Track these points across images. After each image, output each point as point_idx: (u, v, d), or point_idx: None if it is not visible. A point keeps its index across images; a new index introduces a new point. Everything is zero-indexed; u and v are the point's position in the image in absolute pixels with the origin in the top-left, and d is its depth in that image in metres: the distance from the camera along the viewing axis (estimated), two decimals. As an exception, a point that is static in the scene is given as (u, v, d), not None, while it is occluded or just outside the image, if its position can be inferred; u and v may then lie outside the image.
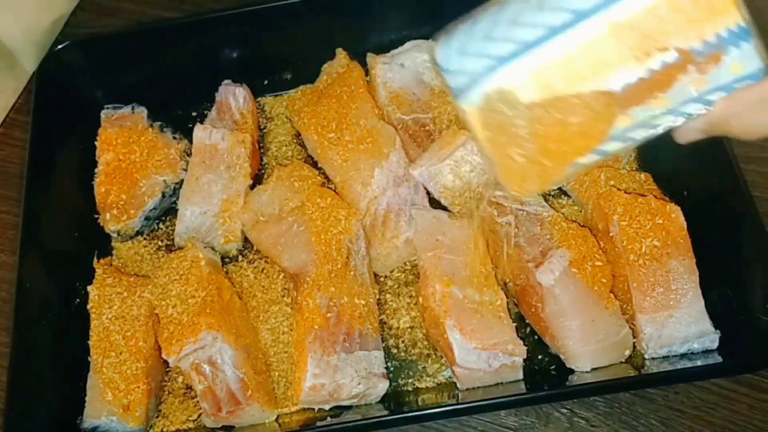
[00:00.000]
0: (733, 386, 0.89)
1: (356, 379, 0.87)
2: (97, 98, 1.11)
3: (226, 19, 1.07)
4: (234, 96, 1.09)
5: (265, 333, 0.96)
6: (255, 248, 1.02)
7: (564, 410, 0.91)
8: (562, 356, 0.89)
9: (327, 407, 0.89)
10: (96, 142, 1.07)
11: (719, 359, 0.85)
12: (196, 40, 1.09)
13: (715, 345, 0.86)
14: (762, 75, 0.58)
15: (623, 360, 0.88)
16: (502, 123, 0.65)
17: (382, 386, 0.89)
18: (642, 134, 0.64)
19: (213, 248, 1.00)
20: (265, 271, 1.01)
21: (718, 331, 0.85)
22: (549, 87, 0.62)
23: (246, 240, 1.02)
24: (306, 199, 0.98)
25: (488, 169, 0.93)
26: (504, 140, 0.66)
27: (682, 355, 0.87)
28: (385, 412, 0.87)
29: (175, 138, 1.07)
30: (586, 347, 0.86)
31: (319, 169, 1.06)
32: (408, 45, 1.10)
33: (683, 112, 0.61)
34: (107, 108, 1.09)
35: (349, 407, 0.89)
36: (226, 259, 1.03)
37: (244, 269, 1.02)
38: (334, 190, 1.01)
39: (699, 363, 0.84)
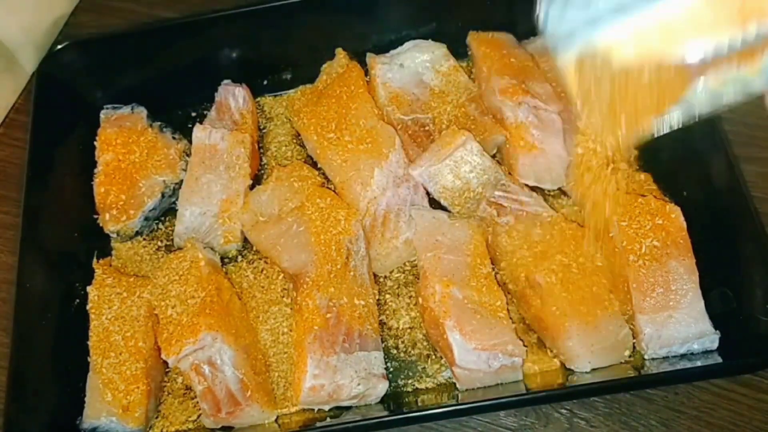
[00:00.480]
0: (733, 386, 0.89)
1: (356, 379, 0.87)
2: (96, 98, 1.11)
3: (226, 19, 1.07)
4: (234, 96, 1.09)
5: (264, 333, 0.96)
6: (254, 248, 1.02)
7: (564, 410, 0.90)
8: (561, 357, 0.89)
9: (327, 408, 0.89)
10: (95, 142, 1.07)
11: (719, 359, 0.85)
12: (196, 40, 1.09)
13: (715, 345, 0.85)
14: None
15: (623, 360, 0.88)
16: (595, 78, 0.67)
17: (382, 387, 0.89)
18: (731, 95, 0.64)
19: (212, 248, 1.00)
20: (264, 272, 1.01)
21: (717, 331, 0.85)
22: (646, 45, 0.63)
23: (245, 240, 1.02)
24: (306, 199, 0.98)
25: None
26: (595, 95, 0.69)
27: (682, 356, 0.86)
28: (385, 413, 0.86)
29: (174, 138, 1.07)
30: (585, 348, 0.86)
31: (319, 169, 1.06)
32: (408, 45, 1.10)
33: None
34: (107, 108, 1.09)
35: (348, 408, 0.89)
36: (226, 260, 1.03)
37: (244, 269, 1.02)
38: (334, 191, 1.01)
39: (699, 363, 0.84)
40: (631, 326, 0.88)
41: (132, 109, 1.09)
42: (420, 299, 0.92)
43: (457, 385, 0.89)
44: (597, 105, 0.70)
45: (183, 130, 1.11)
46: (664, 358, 0.87)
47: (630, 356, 0.88)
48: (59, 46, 1.06)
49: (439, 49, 1.09)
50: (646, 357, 0.87)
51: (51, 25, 1.24)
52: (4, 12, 1.13)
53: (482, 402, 0.82)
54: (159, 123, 1.08)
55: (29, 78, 1.21)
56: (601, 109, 0.69)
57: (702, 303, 0.86)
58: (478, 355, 0.85)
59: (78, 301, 0.98)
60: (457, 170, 0.98)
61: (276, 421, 0.90)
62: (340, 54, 1.11)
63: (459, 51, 1.11)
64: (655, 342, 0.86)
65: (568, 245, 0.90)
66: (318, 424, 0.85)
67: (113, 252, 1.05)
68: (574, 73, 0.69)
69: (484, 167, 0.98)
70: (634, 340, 0.89)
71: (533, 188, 1.01)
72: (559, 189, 1.02)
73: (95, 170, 1.06)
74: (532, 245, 0.92)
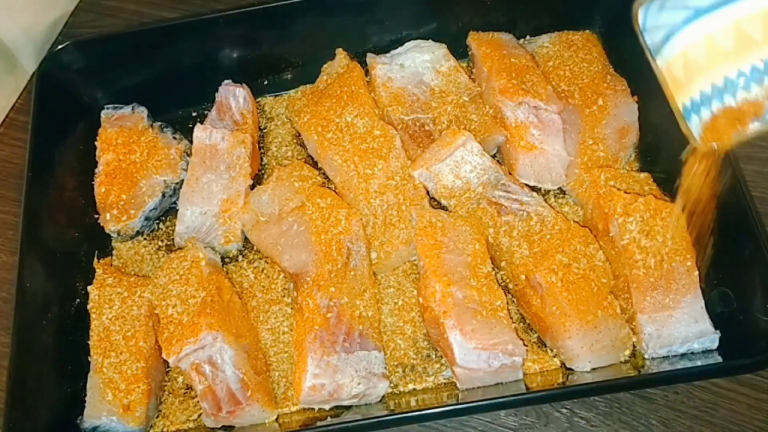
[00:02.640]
0: (733, 386, 0.89)
1: (356, 379, 0.87)
2: (97, 98, 1.11)
3: (226, 19, 1.07)
4: (234, 96, 1.09)
5: (265, 333, 0.97)
6: (255, 248, 1.02)
7: (564, 410, 0.91)
8: (561, 356, 0.89)
9: (327, 407, 0.89)
10: (96, 142, 1.07)
11: (719, 359, 0.85)
12: (196, 40, 1.09)
13: (715, 345, 0.86)
14: None
15: (623, 360, 0.88)
16: (692, 77, 0.66)
17: (382, 386, 0.89)
18: None
19: (213, 248, 1.00)
20: (265, 271, 1.01)
21: (717, 331, 0.85)
22: (747, 38, 0.62)
23: (246, 240, 1.02)
24: (306, 199, 0.98)
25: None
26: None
27: (682, 355, 0.86)
28: (385, 413, 0.86)
29: (175, 138, 1.07)
30: (586, 347, 0.86)
31: (320, 169, 1.06)
32: (408, 45, 1.11)
33: None
34: (107, 108, 1.10)
35: (348, 407, 0.89)
36: (226, 259, 1.03)
37: (244, 269, 1.02)
38: (335, 190, 1.01)
39: (699, 363, 0.84)
40: (632, 326, 0.89)
41: (133, 109, 1.09)
42: (420, 299, 0.92)
43: (458, 385, 0.89)
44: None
45: (184, 130, 1.11)
46: (664, 357, 0.87)
47: (630, 356, 0.89)
48: (59, 46, 1.06)
49: (440, 50, 1.09)
50: (646, 356, 0.87)
51: (51, 25, 1.24)
52: (4, 12, 1.14)
53: (482, 401, 0.82)
54: (160, 123, 1.08)
55: (29, 78, 1.21)
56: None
57: (702, 302, 0.86)
58: (479, 354, 0.85)
59: (78, 300, 0.98)
60: (457, 170, 0.98)
61: (276, 420, 0.90)
62: (341, 54, 1.11)
63: (459, 51, 1.11)
64: (655, 341, 0.86)
65: (569, 245, 0.90)
66: (318, 424, 0.85)
67: (114, 252, 1.06)
68: (672, 74, 0.68)
69: (485, 167, 0.98)
70: (635, 340, 0.89)
71: (533, 188, 1.01)
72: (559, 189, 1.02)
73: (96, 170, 1.06)
74: (532, 245, 0.93)
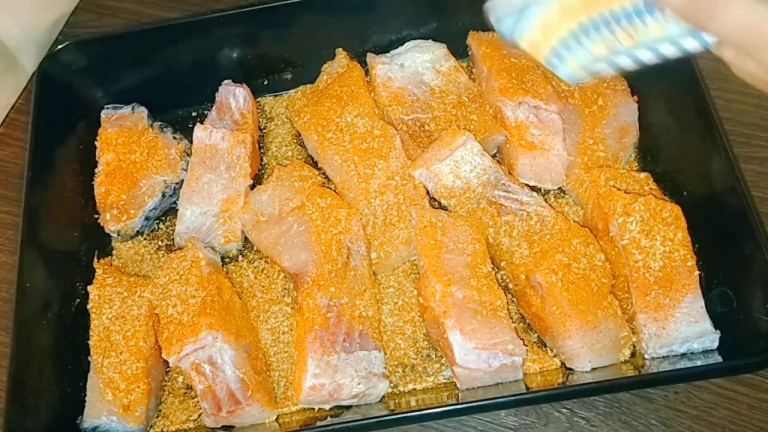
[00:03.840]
0: (733, 386, 0.89)
1: (356, 379, 0.87)
2: (97, 98, 1.11)
3: (226, 19, 1.07)
4: (234, 96, 1.09)
5: (265, 333, 0.97)
6: (255, 248, 1.02)
7: (564, 410, 0.91)
8: (562, 356, 0.89)
9: (327, 407, 0.89)
10: (96, 142, 1.07)
11: (719, 359, 0.85)
12: (196, 40, 1.09)
13: (715, 345, 0.86)
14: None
15: (623, 360, 0.88)
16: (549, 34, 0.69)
17: (382, 386, 0.89)
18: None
19: (213, 248, 1.00)
20: (265, 271, 1.01)
21: (717, 331, 0.85)
22: None
23: (246, 240, 1.02)
24: (306, 199, 0.98)
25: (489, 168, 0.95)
26: None
27: (682, 355, 0.86)
28: (385, 412, 0.86)
29: (175, 138, 1.07)
30: (586, 347, 0.86)
31: (320, 169, 1.06)
32: (408, 45, 1.11)
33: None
34: (107, 108, 1.10)
35: (348, 407, 0.89)
36: (226, 259, 1.03)
37: (244, 269, 1.02)
38: (335, 190, 1.01)
39: (699, 363, 0.84)
40: (632, 326, 0.89)
41: (132, 109, 1.09)
42: (420, 299, 0.92)
43: (458, 385, 0.89)
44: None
45: (183, 130, 1.11)
46: (664, 357, 0.87)
47: (630, 356, 0.89)
48: (59, 46, 1.06)
49: (440, 49, 1.09)
50: (646, 356, 0.87)
51: (51, 25, 1.24)
52: (4, 12, 1.14)
53: (482, 401, 0.82)
54: (160, 123, 1.08)
55: (29, 78, 1.21)
56: None
57: (702, 302, 0.86)
58: (479, 354, 0.85)
59: (78, 300, 0.98)
60: (457, 170, 0.98)
61: (276, 420, 0.90)
62: (341, 54, 1.11)
63: (459, 51, 1.11)
64: (656, 341, 0.86)
65: (569, 245, 0.90)
66: (318, 424, 0.85)
67: (114, 252, 1.06)
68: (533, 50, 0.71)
69: (485, 167, 0.98)
70: (635, 340, 0.89)
71: (533, 188, 1.01)
72: (559, 189, 1.02)
73: (96, 170, 1.06)
74: (532, 245, 0.93)
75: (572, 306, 0.87)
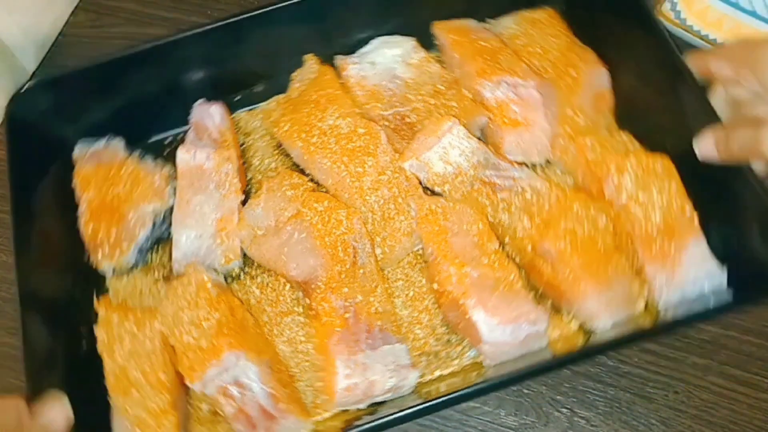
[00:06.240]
0: (733, 386, 0.91)
1: (387, 373, 0.87)
2: (68, 136, 1.07)
3: (189, 40, 1.05)
4: (209, 115, 1.07)
5: (282, 346, 0.95)
6: (256, 264, 1.01)
7: (564, 410, 0.92)
8: (581, 319, 0.91)
9: (363, 406, 0.88)
10: (74, 182, 1.04)
11: (730, 297, 0.87)
12: (161, 64, 1.06)
13: (725, 280, 0.88)
14: None
15: (639, 312, 0.90)
16: None
17: (413, 376, 0.89)
18: None
19: (215, 269, 0.98)
20: (270, 285, 1.00)
21: (725, 266, 0.88)
22: None
23: (245, 257, 1.01)
24: (302, 205, 0.97)
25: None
26: None
27: (694, 299, 0.89)
28: (421, 401, 0.86)
29: (156, 165, 1.05)
30: (603, 306, 0.88)
31: (307, 175, 1.05)
32: (375, 42, 1.11)
33: None
34: (80, 144, 1.07)
35: (382, 403, 0.89)
36: (228, 279, 1.01)
37: (249, 286, 1.00)
38: (327, 193, 1.01)
39: (712, 302, 0.87)
40: (641, 279, 0.91)
41: (107, 141, 1.06)
42: (435, 285, 0.93)
43: (485, 362, 0.90)
44: None
45: (162, 156, 1.09)
46: (678, 303, 0.89)
47: (645, 308, 0.91)
48: (24, 88, 1.02)
49: (408, 43, 1.10)
50: (660, 305, 0.90)
51: (51, 25, 1.24)
52: (4, 12, 1.13)
53: (523, 370, 0.83)
54: (138, 152, 1.06)
55: (29, 78, 1.21)
56: None
57: (705, 243, 0.90)
58: (503, 328, 0.86)
59: (85, 344, 0.95)
60: (447, 156, 0.99)
61: (313, 429, 0.89)
62: (310, 60, 1.11)
63: (425, 44, 1.12)
64: (667, 289, 0.89)
65: (570, 210, 0.92)
66: (364, 422, 0.84)
67: (110, 290, 1.02)
68: None
69: (473, 149, 0.99)
70: (646, 293, 0.91)
71: (521, 163, 1.03)
72: (546, 161, 1.04)
73: (79, 210, 1.03)
74: (532, 217, 0.94)
75: (584, 268, 0.88)
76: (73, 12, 1.29)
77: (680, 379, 0.92)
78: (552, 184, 0.97)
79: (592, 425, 0.91)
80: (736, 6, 1.09)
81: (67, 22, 1.27)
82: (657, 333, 0.90)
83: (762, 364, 0.92)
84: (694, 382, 0.92)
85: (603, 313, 0.88)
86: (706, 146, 0.85)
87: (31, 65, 1.21)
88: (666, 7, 1.12)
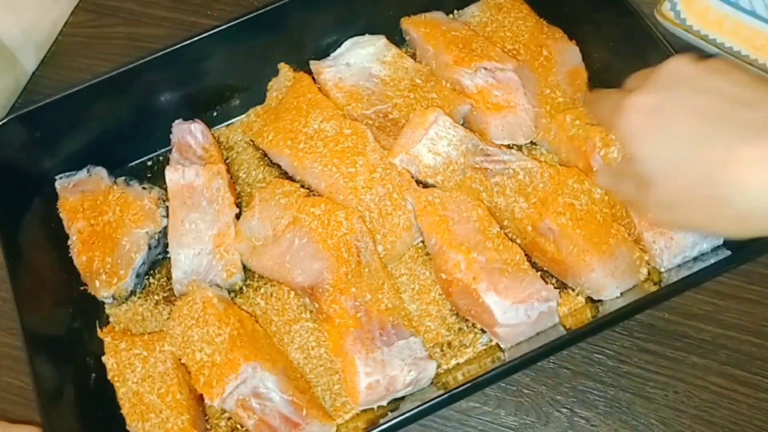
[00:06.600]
0: (733, 386, 0.92)
1: (405, 367, 0.87)
2: (47, 170, 1.06)
3: (160, 60, 1.04)
4: (191, 133, 1.06)
5: (294, 353, 0.95)
6: (257, 275, 1.00)
7: (564, 410, 0.92)
8: (588, 291, 0.93)
9: (385, 402, 0.88)
10: (60, 214, 1.02)
11: (728, 252, 0.90)
12: (134, 87, 1.05)
13: (721, 240, 0.91)
14: None
15: (643, 279, 0.92)
16: None
17: (432, 367, 0.89)
18: None
19: (218, 285, 0.97)
20: (274, 295, 0.99)
21: None
22: None
23: (246, 270, 1.00)
24: (298, 211, 0.97)
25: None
26: None
27: (695, 259, 0.91)
28: (442, 391, 0.86)
29: (144, 188, 1.04)
30: (609, 276, 0.90)
31: (297, 182, 1.05)
32: (347, 44, 1.12)
33: None
34: (60, 177, 1.05)
35: (403, 398, 0.89)
36: (231, 294, 1.00)
37: (252, 298, 0.99)
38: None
39: (712, 261, 0.89)
40: (641, 246, 0.93)
41: (88, 171, 1.05)
42: (442, 275, 0.93)
43: (501, 345, 0.91)
44: None
45: (145, 179, 1.07)
46: (680, 266, 0.91)
47: (648, 274, 0.93)
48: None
49: (379, 41, 1.11)
50: (663, 269, 0.92)
51: (51, 25, 1.24)
52: (4, 12, 1.13)
53: (543, 347, 0.84)
54: (123, 178, 1.04)
55: (29, 78, 1.22)
56: None
57: None
58: (517, 309, 0.87)
59: (94, 375, 0.93)
60: (435, 147, 1.00)
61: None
62: (284, 68, 1.11)
63: (394, 41, 1.13)
64: (668, 253, 0.91)
65: (566, 186, 0.94)
66: (381, 421, 0.84)
67: (111, 318, 1.01)
68: None
69: (460, 137, 1.00)
70: (647, 258, 0.93)
71: (508, 146, 1.04)
72: (531, 142, 1.06)
73: (69, 242, 1.01)
74: (528, 197, 0.95)
75: (587, 240, 0.90)
76: (73, 12, 1.30)
77: (680, 379, 0.92)
78: (542, 163, 0.98)
79: (592, 425, 0.91)
80: (736, 6, 1.12)
81: (67, 22, 1.28)
82: (666, 296, 0.91)
83: (762, 364, 0.92)
84: (694, 382, 0.92)
85: (609, 282, 0.90)
86: (604, 180, 0.91)
87: (31, 65, 1.22)
88: (666, 7, 1.14)
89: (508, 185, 0.97)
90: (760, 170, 0.63)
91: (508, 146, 1.04)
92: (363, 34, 1.13)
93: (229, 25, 1.06)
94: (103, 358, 0.91)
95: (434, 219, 0.94)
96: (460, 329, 0.95)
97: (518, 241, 0.97)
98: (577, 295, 0.94)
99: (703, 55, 0.76)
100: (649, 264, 0.93)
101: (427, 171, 1.00)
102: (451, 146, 1.00)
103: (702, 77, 0.71)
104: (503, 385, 0.94)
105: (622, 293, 0.91)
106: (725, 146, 0.65)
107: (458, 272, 0.90)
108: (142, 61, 1.04)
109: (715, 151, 0.66)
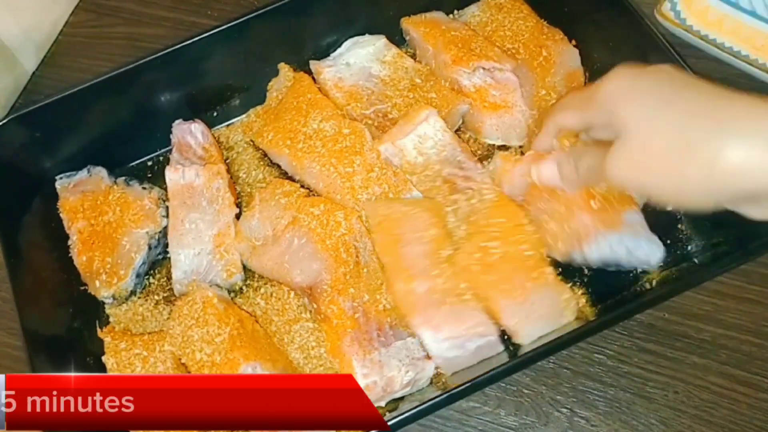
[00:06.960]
0: (733, 386, 0.92)
1: (403, 368, 0.87)
2: (46, 169, 1.06)
3: (160, 61, 1.04)
4: (191, 133, 1.07)
5: (294, 353, 0.95)
6: (257, 275, 1.01)
7: (564, 410, 0.92)
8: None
9: (383, 403, 0.88)
10: (60, 215, 1.02)
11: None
12: (135, 87, 1.05)
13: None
14: None
15: (571, 320, 0.89)
16: None
17: (430, 367, 0.89)
18: None
19: (218, 285, 0.97)
20: (274, 295, 0.99)
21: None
22: None
23: (246, 269, 1.00)
24: (297, 211, 0.97)
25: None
26: None
27: (694, 259, 0.91)
28: (440, 391, 0.86)
29: (144, 188, 1.04)
30: (522, 322, 0.87)
31: (296, 182, 1.05)
32: (347, 44, 1.12)
33: None
34: (61, 178, 1.05)
35: (401, 398, 0.89)
36: (231, 293, 1.00)
37: (252, 298, 1.00)
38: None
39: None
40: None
41: (89, 171, 1.05)
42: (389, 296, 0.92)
43: (443, 372, 0.90)
44: None
45: (145, 180, 1.08)
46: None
47: (580, 314, 0.90)
48: (-1, 124, 1.00)
49: (379, 41, 1.11)
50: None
51: (51, 25, 1.25)
52: (4, 12, 1.14)
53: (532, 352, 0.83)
54: (123, 177, 1.05)
55: (29, 78, 1.22)
56: None
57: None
58: (451, 343, 0.87)
59: (94, 375, 0.93)
60: (420, 146, 0.99)
61: (336, 432, 0.89)
62: (284, 68, 1.11)
63: (394, 41, 1.13)
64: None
65: (494, 223, 0.91)
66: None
67: (111, 318, 1.01)
68: None
69: (444, 143, 0.99)
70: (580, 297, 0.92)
71: (501, 147, 1.04)
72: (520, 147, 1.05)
73: (69, 242, 1.01)
74: (469, 225, 0.94)
75: (493, 287, 0.88)
76: (73, 12, 1.30)
77: (680, 379, 0.92)
78: (497, 192, 0.95)
79: (592, 425, 0.91)
80: (736, 6, 1.12)
81: (67, 22, 1.29)
82: (666, 296, 0.89)
83: (762, 364, 0.92)
84: (694, 382, 0.92)
85: (522, 328, 0.88)
86: (546, 171, 0.83)
87: (31, 65, 1.22)
88: (666, 7, 1.14)
89: (461, 207, 0.95)
90: (748, 145, 0.59)
91: (502, 147, 1.04)
92: (363, 34, 1.13)
93: (229, 25, 1.06)
94: (103, 358, 0.92)
95: (387, 238, 0.93)
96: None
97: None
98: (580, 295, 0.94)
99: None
100: (581, 303, 0.92)
101: (407, 167, 1.00)
102: (434, 149, 0.99)
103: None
104: (503, 385, 0.94)
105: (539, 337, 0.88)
106: (716, 117, 0.62)
107: (398, 299, 0.90)
108: (142, 61, 1.04)
109: (703, 119, 0.62)
